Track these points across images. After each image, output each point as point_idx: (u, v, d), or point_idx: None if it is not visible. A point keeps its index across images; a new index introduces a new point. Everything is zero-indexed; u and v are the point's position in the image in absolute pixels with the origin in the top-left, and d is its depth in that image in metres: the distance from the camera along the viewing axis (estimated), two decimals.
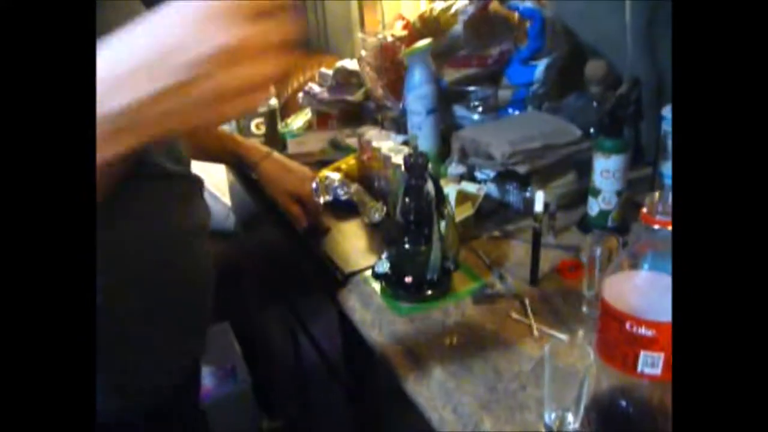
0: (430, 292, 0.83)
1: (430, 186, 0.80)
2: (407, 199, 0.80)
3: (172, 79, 0.37)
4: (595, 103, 1.11)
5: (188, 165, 0.81)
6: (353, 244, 0.99)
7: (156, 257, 0.72)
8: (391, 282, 0.84)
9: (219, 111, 0.39)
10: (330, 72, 1.45)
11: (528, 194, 1.00)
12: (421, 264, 0.82)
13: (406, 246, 0.82)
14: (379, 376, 0.82)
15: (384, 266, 0.85)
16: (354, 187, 1.07)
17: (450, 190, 0.98)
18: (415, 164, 0.79)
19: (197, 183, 0.83)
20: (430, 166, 0.80)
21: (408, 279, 0.83)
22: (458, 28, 1.20)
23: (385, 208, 1.01)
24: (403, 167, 0.80)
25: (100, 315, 0.48)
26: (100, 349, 0.48)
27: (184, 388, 0.88)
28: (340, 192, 1.07)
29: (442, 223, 0.82)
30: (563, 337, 0.74)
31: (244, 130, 1.32)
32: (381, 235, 0.99)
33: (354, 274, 0.91)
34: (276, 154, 1.10)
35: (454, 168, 1.05)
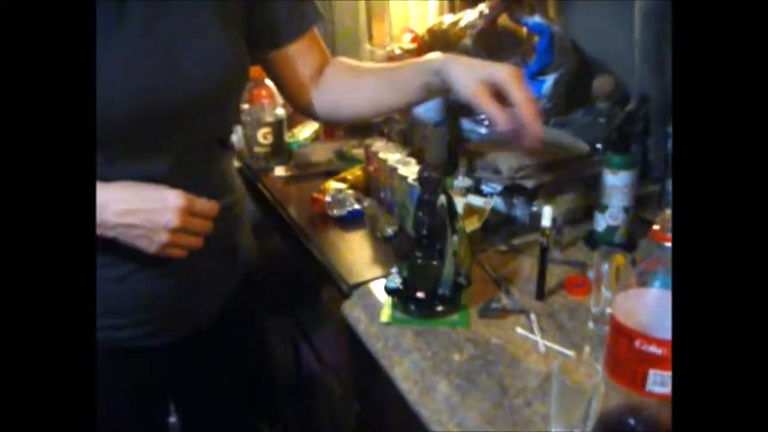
0: (441, 308, 0.82)
1: (442, 200, 0.79)
2: (420, 213, 0.79)
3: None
4: (602, 119, 1.11)
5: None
6: (359, 256, 0.99)
7: None
8: (402, 297, 0.83)
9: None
10: None
11: (535, 208, 1.00)
12: (433, 279, 0.81)
13: (419, 261, 0.81)
14: (382, 388, 0.81)
15: (395, 281, 0.84)
16: (368, 201, 1.07)
17: (456, 203, 0.97)
18: (429, 178, 0.78)
19: None
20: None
21: (420, 294, 0.82)
22: (467, 42, 1.21)
23: (397, 223, 1.00)
24: (416, 181, 0.79)
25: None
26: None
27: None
28: (354, 206, 1.07)
29: (455, 238, 0.81)
30: (569, 353, 0.74)
31: (251, 140, 1.32)
32: (390, 248, 0.98)
33: (359, 285, 0.91)
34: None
35: (461, 181, 1.04)
